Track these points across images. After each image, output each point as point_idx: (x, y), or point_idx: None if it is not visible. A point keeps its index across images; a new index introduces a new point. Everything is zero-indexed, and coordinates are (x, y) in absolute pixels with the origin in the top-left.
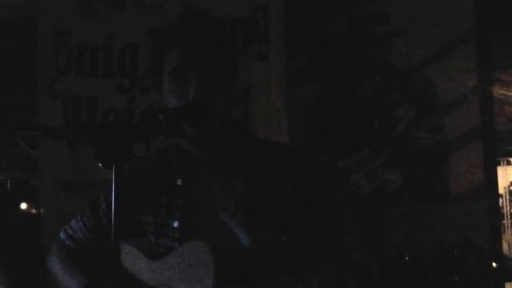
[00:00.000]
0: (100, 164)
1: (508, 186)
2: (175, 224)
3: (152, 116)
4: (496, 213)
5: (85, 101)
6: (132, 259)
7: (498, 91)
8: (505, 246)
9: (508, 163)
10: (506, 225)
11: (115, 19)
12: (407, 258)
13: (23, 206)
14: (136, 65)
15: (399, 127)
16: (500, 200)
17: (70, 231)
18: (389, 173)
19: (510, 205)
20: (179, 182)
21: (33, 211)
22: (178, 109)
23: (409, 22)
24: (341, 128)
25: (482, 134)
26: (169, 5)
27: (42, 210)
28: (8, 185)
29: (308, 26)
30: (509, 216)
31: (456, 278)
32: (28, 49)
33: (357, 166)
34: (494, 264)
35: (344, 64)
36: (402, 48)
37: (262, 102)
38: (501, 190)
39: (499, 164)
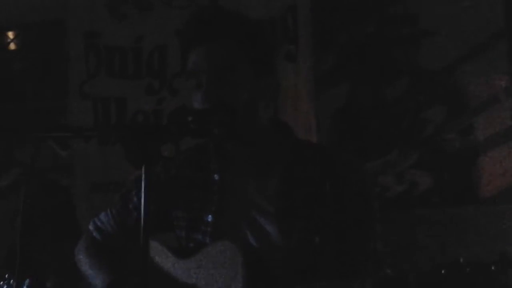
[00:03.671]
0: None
1: None
2: (209, 219)
3: (181, 117)
4: None
5: (114, 102)
6: (159, 256)
7: None
8: None
9: None
10: None
11: (144, 21)
12: (443, 271)
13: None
14: (165, 66)
15: (428, 128)
16: None
17: (98, 223)
18: (418, 175)
19: None
20: (216, 177)
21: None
22: (205, 110)
23: (437, 23)
24: (369, 129)
25: None
26: (196, 6)
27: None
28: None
29: (336, 27)
30: None
31: None
32: (59, 52)
33: (386, 168)
34: None
35: (372, 65)
36: (431, 49)
37: (290, 103)
38: None
39: None
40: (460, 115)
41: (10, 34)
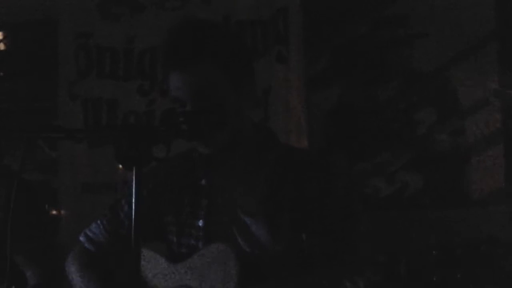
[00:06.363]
0: (120, 166)
1: None
2: (200, 223)
3: (172, 118)
4: None
5: (105, 103)
6: (152, 264)
7: None
8: None
9: None
10: None
11: (135, 22)
12: (434, 252)
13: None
14: (156, 67)
15: (420, 130)
16: None
17: (90, 234)
18: (409, 176)
19: None
20: (203, 182)
21: (54, 212)
22: (197, 112)
23: (429, 25)
24: (360, 131)
25: (504, 137)
26: (188, 8)
27: (62, 212)
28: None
29: (328, 28)
30: None
31: (483, 273)
32: (49, 51)
33: (377, 169)
34: None
35: (364, 66)
36: (423, 50)
37: (281, 105)
38: None
39: None
40: (451, 117)
41: (0, 34)
